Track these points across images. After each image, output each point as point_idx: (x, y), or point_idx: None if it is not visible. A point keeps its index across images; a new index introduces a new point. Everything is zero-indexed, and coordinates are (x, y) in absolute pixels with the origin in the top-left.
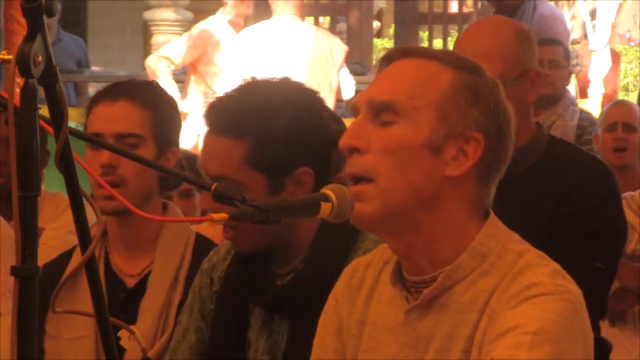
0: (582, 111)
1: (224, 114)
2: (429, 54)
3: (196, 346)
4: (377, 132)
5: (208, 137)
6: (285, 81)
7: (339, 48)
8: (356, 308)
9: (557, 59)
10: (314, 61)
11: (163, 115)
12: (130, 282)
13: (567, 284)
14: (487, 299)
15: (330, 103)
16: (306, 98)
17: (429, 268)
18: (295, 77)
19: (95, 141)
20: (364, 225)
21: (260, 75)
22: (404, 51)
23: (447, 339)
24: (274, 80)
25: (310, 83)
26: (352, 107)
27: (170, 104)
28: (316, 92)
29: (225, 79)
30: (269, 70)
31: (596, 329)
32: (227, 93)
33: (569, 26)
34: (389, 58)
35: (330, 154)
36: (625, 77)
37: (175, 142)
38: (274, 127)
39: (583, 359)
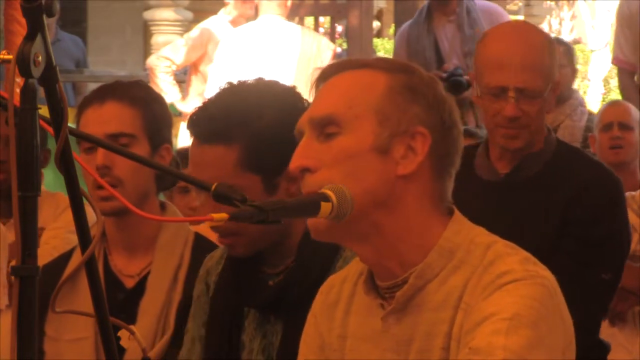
0: (590, 113)
1: (210, 123)
2: (360, 64)
3: (202, 353)
4: (324, 147)
5: (196, 148)
6: (261, 81)
7: (327, 46)
8: (335, 323)
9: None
10: (302, 60)
11: (153, 112)
12: (130, 283)
13: (538, 269)
14: (460, 294)
15: None
16: (285, 93)
17: (398, 271)
18: (284, 77)
19: (97, 141)
20: (322, 234)
21: (245, 77)
22: (335, 67)
23: (426, 338)
24: (248, 82)
25: (299, 82)
26: (297, 131)
27: (159, 101)
28: (294, 87)
29: (227, 78)
30: (257, 70)
31: (597, 331)
32: (206, 102)
33: (569, 26)
34: (323, 77)
35: None
36: None
37: (168, 139)
38: (262, 127)
39: (563, 342)
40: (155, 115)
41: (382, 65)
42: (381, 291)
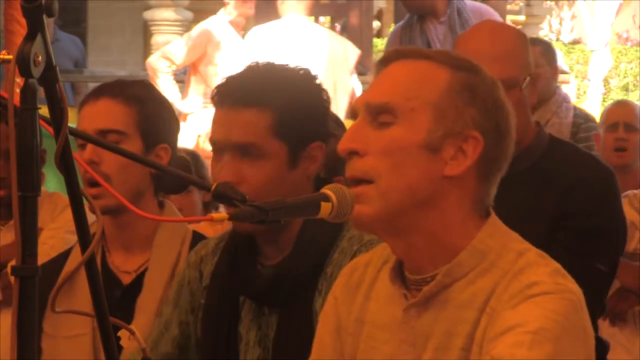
0: (575, 108)
1: (245, 87)
2: (425, 55)
3: (179, 339)
4: (376, 134)
5: (227, 110)
6: (286, 64)
7: (352, 51)
8: (354, 307)
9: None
10: (331, 63)
11: (149, 111)
12: (126, 279)
13: (568, 283)
14: (487, 298)
15: (343, 105)
16: (311, 76)
17: (428, 267)
18: None
19: (94, 140)
20: (364, 226)
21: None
22: (399, 53)
23: (445, 337)
24: (274, 63)
25: (327, 84)
26: (351, 110)
27: (159, 101)
28: (316, 76)
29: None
30: None
31: (594, 328)
32: (237, 73)
33: (569, 26)
34: (386, 60)
35: (333, 133)
36: (625, 77)
37: (165, 139)
38: (296, 98)
39: (584, 358)
40: (151, 115)
41: (446, 60)
42: (407, 282)
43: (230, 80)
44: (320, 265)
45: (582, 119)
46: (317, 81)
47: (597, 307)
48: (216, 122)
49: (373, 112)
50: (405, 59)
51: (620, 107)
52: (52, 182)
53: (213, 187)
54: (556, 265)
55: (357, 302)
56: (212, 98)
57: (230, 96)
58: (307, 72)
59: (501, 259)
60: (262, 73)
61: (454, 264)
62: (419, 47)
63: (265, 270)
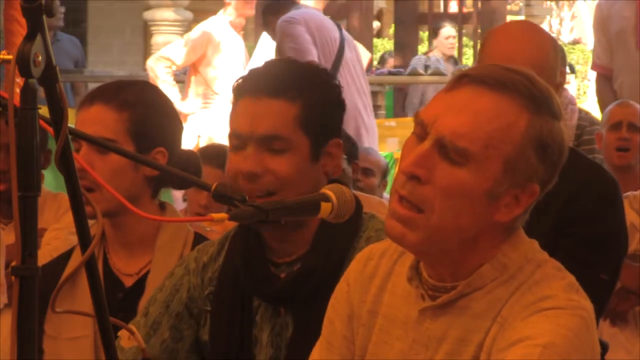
0: (581, 110)
1: (272, 77)
2: (507, 85)
3: (169, 342)
4: (443, 167)
5: (252, 101)
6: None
7: (364, 53)
8: (368, 297)
9: None
10: (345, 64)
11: (142, 116)
12: (128, 282)
13: (581, 300)
14: (501, 307)
15: None
16: (331, 74)
17: (449, 278)
18: None
19: (94, 141)
20: (403, 247)
21: None
22: (479, 79)
23: (458, 343)
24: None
25: (342, 84)
26: (420, 121)
27: (155, 104)
28: (334, 74)
29: (226, 80)
30: None
31: None
32: (263, 65)
33: (569, 26)
34: (462, 81)
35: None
36: None
37: (162, 142)
38: (320, 93)
39: None
40: (144, 120)
41: (527, 95)
42: (424, 283)
43: (256, 72)
44: (338, 266)
45: (586, 122)
46: (336, 80)
47: (598, 317)
48: (240, 113)
49: (447, 147)
50: (486, 87)
51: (624, 107)
52: (52, 183)
53: (213, 187)
54: (571, 279)
55: (371, 292)
56: (235, 89)
57: (257, 87)
58: (326, 70)
59: (520, 271)
60: (287, 66)
61: (476, 275)
62: (499, 75)
63: (281, 270)
